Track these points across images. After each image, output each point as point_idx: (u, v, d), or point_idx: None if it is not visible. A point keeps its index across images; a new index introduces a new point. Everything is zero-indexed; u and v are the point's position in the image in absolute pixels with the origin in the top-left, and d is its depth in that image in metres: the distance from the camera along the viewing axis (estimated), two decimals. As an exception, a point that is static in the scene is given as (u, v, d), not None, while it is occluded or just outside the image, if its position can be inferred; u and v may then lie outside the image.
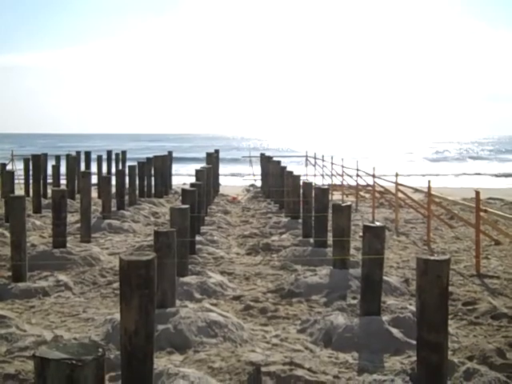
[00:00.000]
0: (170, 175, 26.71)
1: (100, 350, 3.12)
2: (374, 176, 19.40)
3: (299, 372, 5.93)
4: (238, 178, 39.90)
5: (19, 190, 21.36)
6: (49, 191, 21.40)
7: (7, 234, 12.95)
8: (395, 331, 6.94)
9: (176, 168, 29.18)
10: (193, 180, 15.69)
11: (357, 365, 6.29)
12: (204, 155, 23.76)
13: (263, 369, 5.98)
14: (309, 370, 6.04)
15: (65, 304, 8.67)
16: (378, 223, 7.99)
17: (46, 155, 24.32)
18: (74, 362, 2.96)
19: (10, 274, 9.74)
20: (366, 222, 10.00)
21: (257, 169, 30.97)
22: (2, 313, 7.50)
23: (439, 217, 16.67)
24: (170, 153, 27.70)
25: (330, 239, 11.32)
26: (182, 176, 34.69)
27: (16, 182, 20.46)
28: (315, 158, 29.87)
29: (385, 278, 8.17)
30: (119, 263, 5.13)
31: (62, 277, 9.82)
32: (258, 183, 28.79)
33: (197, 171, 16.08)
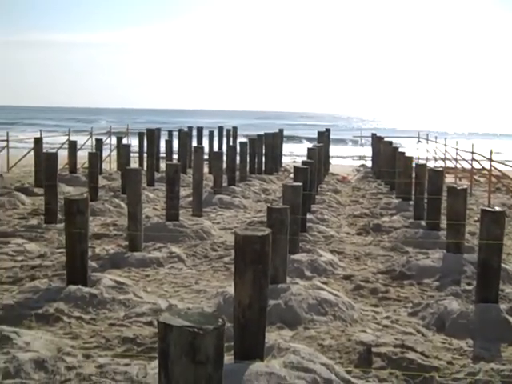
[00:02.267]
0: (281, 153, 26.81)
1: (220, 320, 3.15)
2: (490, 160, 18.66)
3: (411, 355, 5.81)
4: (347, 158, 39.47)
5: (133, 164, 22.08)
6: (161, 165, 21.99)
7: (123, 205, 13.44)
8: (514, 321, 6.67)
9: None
10: (300, 159, 15.65)
11: (472, 352, 6.09)
12: (309, 135, 23.66)
13: (373, 349, 5.92)
14: (421, 353, 5.91)
15: (178, 275, 8.90)
16: (496, 208, 7.68)
17: (159, 130, 24.99)
18: (196, 329, 3.00)
19: (126, 243, 10.10)
20: (482, 206, 9.61)
21: (367, 149, 30.60)
22: (121, 280, 7.79)
23: None
24: (281, 130, 27.78)
25: (442, 222, 11.01)
26: (285, 156, 34.54)
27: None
28: (427, 140, 29.15)
29: (503, 265, 7.84)
30: (234, 238, 5.18)
31: (175, 249, 10.07)
32: (369, 163, 28.43)
33: (309, 149, 16.02)
